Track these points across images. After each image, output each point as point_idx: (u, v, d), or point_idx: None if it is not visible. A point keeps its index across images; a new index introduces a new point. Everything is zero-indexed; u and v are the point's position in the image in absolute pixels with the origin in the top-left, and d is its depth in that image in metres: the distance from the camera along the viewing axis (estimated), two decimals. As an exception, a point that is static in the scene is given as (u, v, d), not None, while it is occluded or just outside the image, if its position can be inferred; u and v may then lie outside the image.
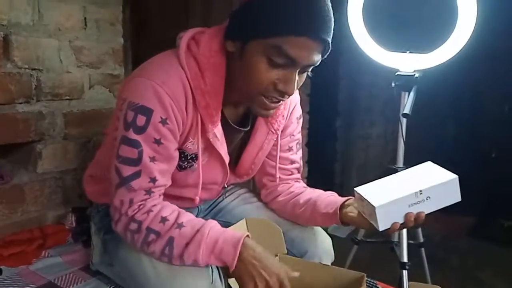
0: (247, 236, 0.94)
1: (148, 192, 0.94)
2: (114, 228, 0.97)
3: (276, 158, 1.19)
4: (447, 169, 1.01)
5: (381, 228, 0.99)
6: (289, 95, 0.95)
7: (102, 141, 1.19)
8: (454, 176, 0.97)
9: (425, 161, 1.08)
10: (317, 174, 2.74)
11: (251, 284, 0.90)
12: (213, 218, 1.26)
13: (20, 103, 1.43)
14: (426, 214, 0.98)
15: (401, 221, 0.97)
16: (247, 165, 1.16)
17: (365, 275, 0.99)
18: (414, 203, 0.96)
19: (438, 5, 1.50)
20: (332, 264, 1.28)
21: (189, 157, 1.03)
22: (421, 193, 0.95)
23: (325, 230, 1.25)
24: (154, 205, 0.94)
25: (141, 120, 0.91)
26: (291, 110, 1.18)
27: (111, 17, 1.64)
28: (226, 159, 1.08)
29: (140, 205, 0.94)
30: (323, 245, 1.24)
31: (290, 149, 1.22)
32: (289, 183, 1.24)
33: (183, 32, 1.00)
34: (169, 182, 1.00)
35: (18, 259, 1.27)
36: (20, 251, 1.32)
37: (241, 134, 1.12)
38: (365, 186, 1.03)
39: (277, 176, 1.21)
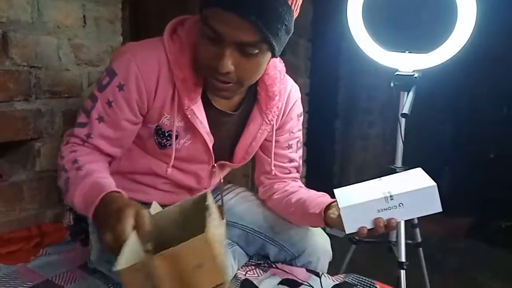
0: (116, 192, 0.89)
1: (82, 141, 1.02)
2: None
3: (271, 154, 1.19)
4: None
5: (347, 231, 0.96)
6: (221, 72, 0.90)
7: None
8: (431, 184, 0.91)
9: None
10: (316, 175, 2.74)
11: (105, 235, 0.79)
12: (212, 216, 1.27)
13: (19, 101, 1.42)
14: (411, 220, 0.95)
15: (369, 225, 0.94)
16: (241, 154, 1.17)
17: (209, 192, 0.87)
18: (385, 209, 0.92)
19: (437, 6, 1.50)
20: (330, 263, 1.28)
21: (166, 134, 1.04)
22: (391, 199, 0.91)
23: (323, 229, 1.25)
24: (78, 150, 1.01)
25: (105, 80, 0.99)
26: (291, 106, 1.18)
27: (110, 15, 1.63)
28: (208, 139, 1.07)
29: (72, 146, 1.02)
30: (321, 244, 1.24)
31: (289, 146, 1.21)
32: (285, 181, 1.24)
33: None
34: (113, 151, 1.05)
35: (15, 257, 1.27)
36: (17, 249, 1.32)
37: (230, 119, 1.11)
38: (345, 188, 1.01)
39: (273, 172, 1.20)
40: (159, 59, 0.97)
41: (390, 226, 0.93)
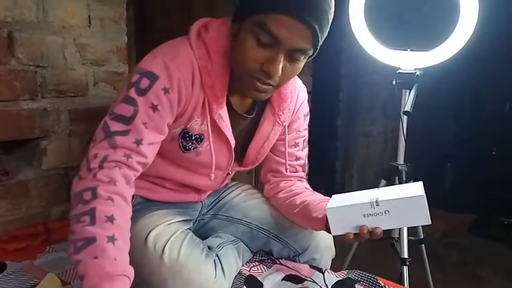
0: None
1: (127, 156, 0.90)
2: (73, 184, 0.90)
3: (285, 154, 1.20)
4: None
5: (333, 232, 0.97)
6: (273, 76, 0.93)
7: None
8: (420, 194, 0.89)
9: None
10: (319, 171, 2.75)
11: None
12: (216, 213, 1.29)
13: (25, 100, 1.44)
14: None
15: (354, 230, 0.94)
16: (252, 155, 1.18)
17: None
18: (370, 214, 0.92)
19: (439, 3, 1.50)
20: (333, 260, 1.30)
21: (193, 137, 1.04)
22: (377, 205, 0.90)
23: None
24: (120, 183, 0.88)
25: (144, 82, 0.92)
26: (299, 106, 1.19)
27: (115, 15, 1.65)
28: (232, 142, 1.09)
29: (113, 165, 0.88)
30: (324, 241, 1.25)
31: (296, 145, 1.23)
32: (292, 180, 1.25)
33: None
34: (150, 160, 0.96)
35: (22, 254, 1.28)
36: (24, 246, 1.34)
37: (246, 121, 1.13)
38: (343, 194, 1.02)
39: (287, 171, 1.22)
40: (192, 64, 0.97)
41: (375, 233, 0.93)
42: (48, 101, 1.50)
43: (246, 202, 1.30)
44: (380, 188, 1.01)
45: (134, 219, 1.09)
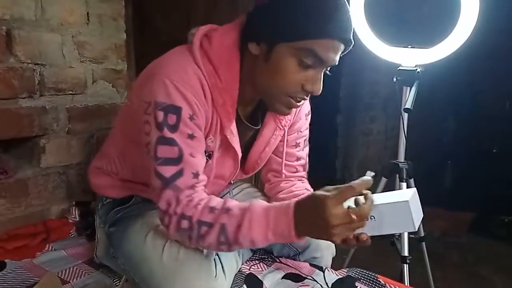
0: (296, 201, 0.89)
1: (193, 187, 0.93)
2: (167, 231, 0.95)
3: (283, 154, 1.19)
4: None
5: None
6: (316, 94, 0.95)
7: (107, 135, 1.19)
8: (405, 199, 0.87)
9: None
10: (319, 169, 2.74)
11: (333, 237, 0.85)
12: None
13: (24, 98, 1.43)
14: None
15: None
16: (253, 160, 1.17)
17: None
18: None
19: (440, 0, 1.50)
20: (333, 258, 1.29)
21: (206, 154, 1.03)
22: None
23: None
24: (201, 199, 0.93)
25: (172, 118, 0.91)
26: (300, 107, 1.18)
27: (113, 12, 1.64)
28: (239, 154, 1.08)
29: (188, 200, 0.92)
30: (325, 240, 1.24)
31: (297, 145, 1.22)
32: (292, 181, 1.24)
33: (194, 29, 1.00)
34: (206, 176, 0.99)
35: (22, 253, 1.28)
36: (24, 244, 1.33)
37: (252, 132, 1.12)
38: None
39: (283, 172, 1.21)
40: (201, 83, 0.95)
41: (361, 240, 0.91)
42: (47, 99, 1.49)
43: (246, 200, 1.28)
44: (374, 194, 0.99)
45: (133, 219, 1.09)
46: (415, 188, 0.97)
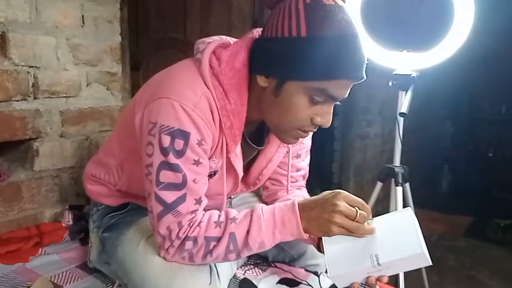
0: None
1: (194, 212, 0.93)
2: (165, 257, 0.95)
3: (288, 167, 1.17)
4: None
5: (339, 286, 1.02)
6: (326, 127, 0.95)
7: (102, 138, 1.18)
8: (418, 251, 0.90)
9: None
10: (315, 174, 2.74)
11: (331, 230, 0.91)
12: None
13: (17, 101, 1.42)
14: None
15: (360, 281, 0.96)
16: (254, 176, 1.15)
17: None
18: (373, 271, 0.94)
19: (435, 5, 1.50)
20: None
21: (208, 174, 1.01)
22: (379, 265, 0.92)
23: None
24: (202, 219, 0.93)
25: (179, 144, 0.88)
26: None
27: (108, 15, 1.64)
28: (241, 174, 1.07)
29: (190, 223, 0.92)
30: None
31: (298, 156, 1.20)
32: (290, 189, 1.23)
33: (201, 42, 0.98)
34: (206, 200, 0.98)
35: (14, 257, 1.27)
36: (16, 248, 1.32)
37: (255, 151, 1.11)
38: (333, 240, 0.97)
39: (283, 183, 1.21)
40: (210, 105, 0.92)
41: (381, 280, 0.94)
42: (41, 102, 1.48)
43: (242, 206, 1.28)
44: (374, 220, 0.98)
45: (128, 225, 1.08)
46: (409, 208, 1.00)
